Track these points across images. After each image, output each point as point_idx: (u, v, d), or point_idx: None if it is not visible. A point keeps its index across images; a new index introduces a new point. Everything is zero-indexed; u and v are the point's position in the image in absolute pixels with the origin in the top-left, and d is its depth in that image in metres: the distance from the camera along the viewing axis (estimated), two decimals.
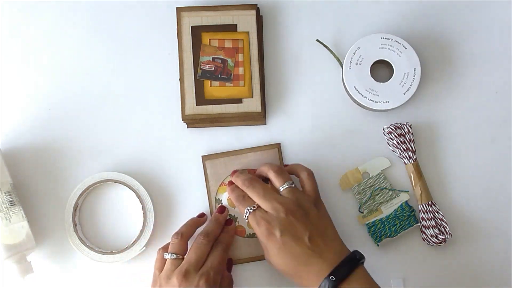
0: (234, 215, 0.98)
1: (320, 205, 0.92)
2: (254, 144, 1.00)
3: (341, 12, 1.01)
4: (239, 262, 0.97)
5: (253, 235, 0.97)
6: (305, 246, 0.86)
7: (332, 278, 0.84)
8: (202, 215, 0.98)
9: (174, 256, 0.91)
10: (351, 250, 0.90)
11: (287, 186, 0.91)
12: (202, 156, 0.98)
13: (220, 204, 0.98)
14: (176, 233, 0.93)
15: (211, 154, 0.98)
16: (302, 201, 0.90)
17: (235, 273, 0.98)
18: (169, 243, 0.93)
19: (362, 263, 0.87)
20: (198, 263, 0.90)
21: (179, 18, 0.98)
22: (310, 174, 0.94)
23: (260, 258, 0.97)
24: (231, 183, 0.96)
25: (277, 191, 0.92)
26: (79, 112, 1.01)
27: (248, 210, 0.90)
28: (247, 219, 0.90)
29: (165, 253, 0.92)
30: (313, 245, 0.86)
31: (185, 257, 0.91)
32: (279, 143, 0.99)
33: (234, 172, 0.96)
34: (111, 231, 0.99)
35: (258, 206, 0.90)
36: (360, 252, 0.88)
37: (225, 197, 0.98)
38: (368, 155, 0.99)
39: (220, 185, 0.98)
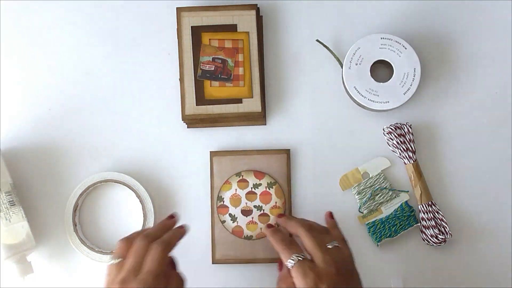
0: (234, 215, 0.98)
1: (357, 272, 0.87)
2: (254, 144, 1.00)
3: (341, 12, 1.01)
4: (234, 262, 0.97)
5: (250, 237, 0.97)
6: None
7: None
8: (171, 217, 0.91)
9: (117, 261, 0.84)
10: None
11: (336, 245, 0.86)
12: (210, 152, 0.98)
13: (173, 212, 0.92)
14: (124, 238, 0.86)
15: (219, 151, 0.98)
16: (348, 264, 0.86)
17: (230, 273, 0.98)
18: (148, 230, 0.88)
19: None
20: (136, 268, 0.82)
21: (179, 18, 0.98)
22: (346, 241, 0.90)
23: (255, 261, 0.97)
24: (270, 225, 0.93)
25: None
26: (79, 112, 1.01)
27: (297, 257, 0.83)
28: (291, 266, 0.83)
29: (112, 259, 0.84)
30: None
31: (124, 262, 0.84)
32: (289, 149, 0.99)
33: (282, 215, 0.95)
34: (111, 231, 0.99)
35: (306, 256, 0.84)
36: None
37: (227, 196, 0.97)
38: (368, 155, 0.99)
39: (224, 183, 0.98)
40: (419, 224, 0.97)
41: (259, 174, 0.98)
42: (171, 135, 1.01)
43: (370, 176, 0.98)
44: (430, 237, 0.95)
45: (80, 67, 1.02)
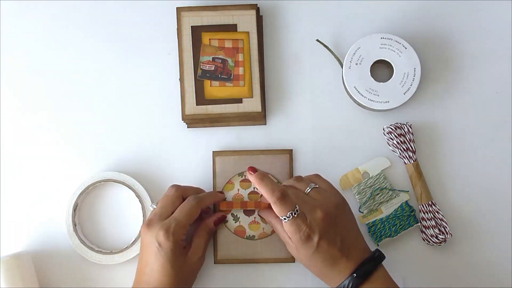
0: (236, 215, 0.97)
1: (345, 202, 0.92)
2: (254, 144, 1.00)
3: (341, 12, 1.01)
4: (236, 262, 0.97)
5: (252, 237, 0.97)
6: (337, 249, 0.86)
7: (354, 275, 0.85)
8: (221, 192, 0.98)
9: (154, 206, 0.92)
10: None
11: (313, 186, 0.91)
12: (213, 152, 0.98)
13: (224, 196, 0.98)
14: (173, 185, 0.93)
15: (222, 151, 0.98)
16: (331, 198, 0.89)
17: (232, 273, 0.98)
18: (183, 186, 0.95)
19: (381, 261, 0.88)
20: (162, 213, 0.90)
21: (179, 18, 0.98)
22: (318, 175, 0.94)
23: (257, 261, 0.97)
24: (253, 169, 0.93)
25: None
26: (79, 112, 1.01)
27: (292, 214, 0.87)
28: (285, 220, 0.87)
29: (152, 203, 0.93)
30: (343, 247, 0.87)
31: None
32: (291, 150, 0.99)
33: (253, 169, 0.93)
34: (110, 231, 0.99)
35: (297, 210, 0.87)
36: (380, 251, 0.88)
37: (230, 196, 0.98)
38: (368, 155, 0.99)
39: (226, 183, 0.98)
40: (419, 224, 0.97)
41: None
42: (171, 135, 1.01)
43: (370, 176, 0.98)
44: (430, 237, 0.95)
45: (80, 67, 1.01)
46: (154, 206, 0.92)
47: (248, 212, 0.97)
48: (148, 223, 0.89)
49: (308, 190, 0.90)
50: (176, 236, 0.88)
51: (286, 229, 0.88)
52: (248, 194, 0.98)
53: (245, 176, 0.98)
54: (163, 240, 0.87)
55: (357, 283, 0.85)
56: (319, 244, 0.86)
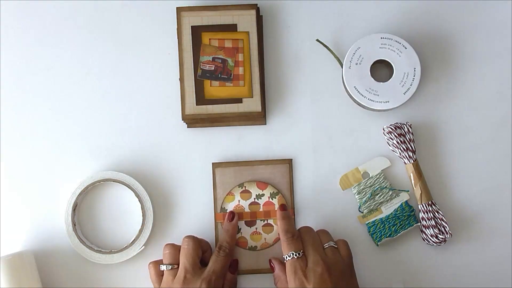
0: (238, 227, 0.98)
1: (353, 273, 0.91)
2: (255, 145, 1.00)
3: (341, 12, 1.01)
4: (238, 273, 0.97)
5: (254, 248, 0.97)
6: None
7: None
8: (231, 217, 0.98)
9: (170, 267, 0.92)
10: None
11: (332, 244, 0.91)
12: (212, 163, 0.98)
13: (229, 210, 0.98)
14: (168, 244, 0.94)
15: (221, 162, 0.99)
16: (340, 265, 0.89)
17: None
18: (158, 260, 0.94)
19: None
20: (194, 267, 0.91)
21: (179, 18, 0.98)
22: (346, 242, 0.94)
23: (259, 271, 0.98)
24: (283, 207, 0.97)
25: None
26: (79, 112, 1.01)
27: (293, 254, 0.89)
28: (285, 260, 0.90)
29: (160, 265, 0.93)
30: None
31: (179, 265, 0.92)
32: (291, 159, 0.99)
33: (283, 207, 0.97)
34: (110, 230, 0.99)
35: (303, 255, 0.90)
36: None
37: (231, 207, 0.98)
38: (368, 155, 0.99)
39: (227, 195, 0.98)
40: (419, 224, 0.97)
41: (261, 184, 0.98)
42: (171, 135, 1.00)
43: (370, 175, 0.98)
44: (430, 236, 0.95)
45: (80, 66, 1.01)
46: (167, 268, 0.92)
47: (249, 223, 0.98)
48: (184, 280, 0.90)
49: (326, 245, 0.91)
50: (218, 286, 0.91)
51: (286, 268, 0.89)
52: (249, 205, 0.98)
53: (245, 187, 0.98)
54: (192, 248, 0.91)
55: None
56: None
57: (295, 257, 0.89)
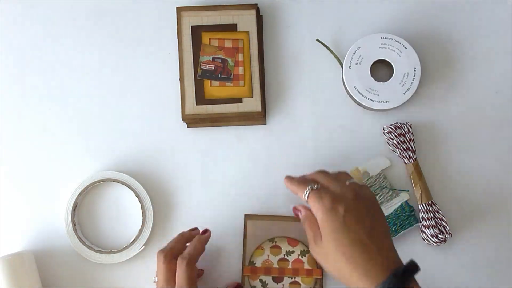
0: (265, 281, 0.96)
1: (381, 210, 0.86)
2: (254, 145, 1.00)
3: (341, 12, 1.01)
4: None
5: None
6: (366, 234, 0.80)
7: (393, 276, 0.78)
8: (193, 229, 0.95)
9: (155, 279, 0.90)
10: None
11: (353, 181, 0.86)
12: (245, 215, 0.97)
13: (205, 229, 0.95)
14: (161, 253, 0.89)
15: (254, 215, 0.97)
16: (368, 193, 0.85)
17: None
18: (167, 249, 0.90)
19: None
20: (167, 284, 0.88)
21: (179, 18, 0.98)
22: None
23: None
24: (289, 178, 0.89)
25: None
26: (79, 112, 1.01)
27: (311, 187, 0.83)
28: (307, 197, 0.83)
29: (154, 277, 0.90)
30: (373, 236, 0.80)
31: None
32: None
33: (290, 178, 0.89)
34: (110, 230, 0.99)
35: (318, 186, 0.84)
36: (416, 263, 0.81)
37: (259, 261, 0.96)
38: (368, 155, 0.99)
39: (256, 248, 0.96)
40: (419, 223, 0.97)
41: (292, 241, 0.97)
42: (171, 135, 1.00)
43: (370, 175, 0.98)
44: (430, 236, 0.95)
45: (80, 66, 1.02)
46: (154, 280, 0.90)
47: (277, 279, 0.96)
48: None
49: (349, 181, 0.85)
50: (191, 263, 0.88)
51: (311, 201, 0.83)
52: (278, 260, 0.96)
53: (275, 242, 0.96)
54: (189, 270, 0.87)
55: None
56: (346, 218, 0.80)
57: (314, 188, 0.83)
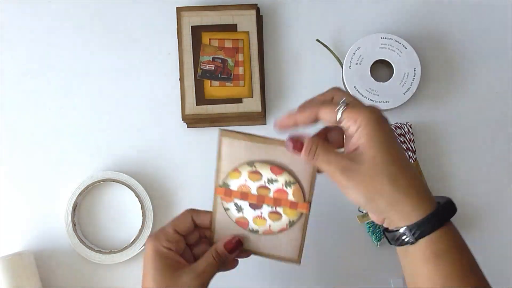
0: (240, 205, 0.82)
1: None
2: None
3: (341, 12, 1.01)
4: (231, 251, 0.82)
5: (256, 231, 0.82)
6: (405, 155, 0.71)
7: (416, 229, 0.69)
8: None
9: None
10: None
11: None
12: (220, 130, 0.80)
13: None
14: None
15: (231, 131, 0.80)
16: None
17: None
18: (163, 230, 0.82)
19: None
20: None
21: (179, 18, 0.98)
22: None
23: (259, 254, 0.84)
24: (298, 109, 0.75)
25: None
26: (79, 112, 1.01)
27: (345, 100, 0.71)
28: (341, 115, 0.70)
29: None
30: (408, 162, 0.71)
31: None
32: None
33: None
34: (110, 230, 0.99)
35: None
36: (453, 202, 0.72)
37: (234, 184, 0.81)
38: None
39: (232, 170, 0.81)
40: None
41: (277, 169, 0.80)
42: (171, 135, 1.01)
43: None
44: None
45: (80, 66, 1.02)
46: None
47: (254, 206, 0.82)
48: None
49: (344, 99, 0.72)
50: (158, 240, 0.78)
51: (349, 118, 0.69)
52: (257, 187, 0.81)
53: (255, 167, 0.80)
54: (147, 245, 0.79)
55: (418, 237, 0.68)
56: (391, 132, 0.70)
57: (347, 102, 0.70)
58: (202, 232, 0.83)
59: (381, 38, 0.97)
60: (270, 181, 0.81)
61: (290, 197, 0.81)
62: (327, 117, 0.71)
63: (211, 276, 0.79)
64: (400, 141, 0.96)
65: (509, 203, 0.98)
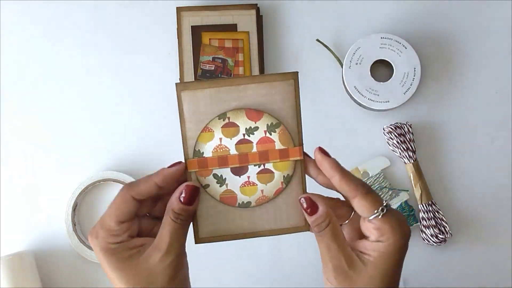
0: (221, 175, 0.68)
1: None
2: None
3: (341, 12, 1.01)
4: (226, 239, 0.69)
5: (247, 204, 0.69)
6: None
7: None
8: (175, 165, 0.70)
9: None
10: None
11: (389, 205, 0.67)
12: (176, 84, 0.67)
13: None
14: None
15: (191, 82, 0.67)
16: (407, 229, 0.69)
17: (221, 254, 0.97)
18: None
19: None
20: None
21: (179, 18, 0.98)
22: None
23: (256, 234, 0.69)
24: (323, 152, 0.70)
25: None
26: (79, 112, 1.01)
27: (386, 205, 0.65)
28: (380, 214, 0.65)
29: None
30: None
31: None
32: (297, 72, 0.69)
33: (324, 152, 0.70)
34: None
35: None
36: None
37: (208, 149, 0.68)
38: (368, 154, 0.99)
39: (202, 131, 0.68)
40: (419, 223, 0.97)
41: (253, 113, 0.68)
42: (171, 135, 1.00)
43: (370, 175, 0.98)
44: (430, 236, 0.95)
45: (80, 66, 1.02)
46: None
47: (238, 171, 0.69)
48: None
49: (385, 203, 0.66)
50: (100, 239, 0.66)
51: (383, 226, 0.64)
52: (236, 144, 0.68)
53: (229, 118, 0.68)
54: (92, 244, 0.67)
55: None
56: (401, 264, 0.68)
57: (388, 206, 0.65)
58: (157, 197, 0.69)
59: (381, 38, 0.97)
60: (249, 130, 0.68)
61: (278, 145, 0.69)
62: (360, 208, 0.66)
63: (181, 244, 0.66)
64: (400, 141, 0.96)
65: (509, 203, 0.98)
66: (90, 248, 0.96)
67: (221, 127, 0.68)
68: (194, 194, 0.67)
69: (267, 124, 0.68)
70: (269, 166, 0.69)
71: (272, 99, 0.68)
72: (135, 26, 1.02)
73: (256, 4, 0.98)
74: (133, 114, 1.01)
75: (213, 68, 0.97)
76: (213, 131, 0.67)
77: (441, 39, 1.00)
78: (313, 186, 0.69)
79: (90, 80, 1.01)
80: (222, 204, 0.69)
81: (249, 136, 0.68)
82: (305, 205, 0.67)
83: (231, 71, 0.97)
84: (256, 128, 0.68)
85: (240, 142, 0.68)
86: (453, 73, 1.00)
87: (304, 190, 0.69)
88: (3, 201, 1.00)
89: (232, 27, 0.98)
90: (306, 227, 0.69)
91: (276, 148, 0.68)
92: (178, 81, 0.67)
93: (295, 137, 0.70)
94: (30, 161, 1.00)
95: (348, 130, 0.99)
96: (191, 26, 0.98)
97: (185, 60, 0.98)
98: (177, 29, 0.98)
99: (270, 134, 0.68)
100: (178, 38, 0.98)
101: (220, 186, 0.68)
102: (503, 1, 1.00)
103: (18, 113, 1.01)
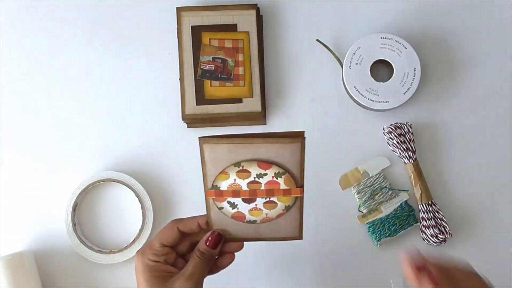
0: (233, 202, 0.82)
1: None
2: None
3: (341, 12, 1.01)
4: (235, 240, 0.84)
5: (254, 222, 0.83)
6: None
7: None
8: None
9: None
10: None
11: None
12: (199, 138, 0.79)
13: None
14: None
15: (211, 137, 0.79)
16: None
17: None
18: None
19: None
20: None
21: (179, 18, 0.98)
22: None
23: (261, 239, 0.85)
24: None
25: None
26: (79, 112, 1.01)
27: None
28: None
29: None
30: None
31: None
32: (303, 131, 0.79)
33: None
34: (110, 230, 0.99)
35: None
36: None
37: (225, 185, 0.81)
38: (368, 155, 0.99)
39: (220, 173, 0.81)
40: (418, 223, 0.97)
41: (264, 164, 0.81)
42: (171, 135, 1.01)
43: (370, 175, 0.98)
44: (430, 236, 0.95)
45: (80, 66, 1.02)
46: None
47: (248, 200, 0.83)
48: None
49: None
50: (144, 255, 0.81)
51: None
52: (248, 183, 0.82)
53: (242, 167, 0.81)
54: (135, 260, 0.82)
55: None
56: None
57: None
58: (193, 238, 0.84)
59: (381, 38, 0.97)
60: (260, 175, 0.81)
61: (282, 186, 0.82)
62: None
63: (201, 276, 0.81)
64: (400, 141, 0.97)
65: (509, 203, 0.98)
66: (90, 248, 0.96)
67: (236, 172, 0.81)
68: (218, 240, 0.83)
69: (275, 172, 0.81)
70: (273, 199, 0.83)
71: (280, 155, 0.80)
72: (135, 26, 1.02)
73: (256, 4, 0.98)
74: (133, 114, 1.01)
75: (213, 68, 0.97)
76: (229, 174, 0.81)
77: (441, 39, 1.00)
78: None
79: (90, 80, 1.01)
80: (232, 220, 0.83)
81: (259, 179, 0.81)
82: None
83: (231, 71, 0.97)
84: (265, 174, 0.81)
85: (251, 182, 0.81)
86: (453, 73, 1.00)
87: (301, 215, 0.84)
88: (3, 201, 1.00)
89: (232, 27, 0.98)
90: (300, 237, 0.85)
91: (281, 188, 0.82)
92: (200, 136, 0.79)
93: (298, 181, 0.82)
94: (31, 161, 1.00)
95: (348, 130, 0.99)
96: (191, 26, 0.98)
97: (185, 60, 0.98)
98: (177, 29, 0.98)
99: (277, 179, 0.81)
100: (178, 38, 0.98)
101: (233, 209, 0.83)
102: (503, 1, 1.00)
103: (18, 113, 1.01)
